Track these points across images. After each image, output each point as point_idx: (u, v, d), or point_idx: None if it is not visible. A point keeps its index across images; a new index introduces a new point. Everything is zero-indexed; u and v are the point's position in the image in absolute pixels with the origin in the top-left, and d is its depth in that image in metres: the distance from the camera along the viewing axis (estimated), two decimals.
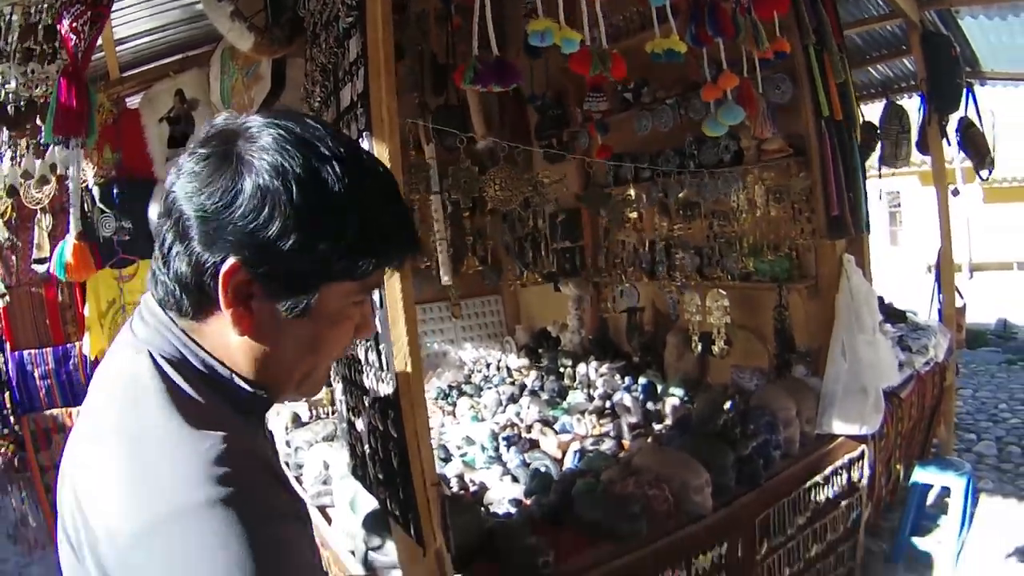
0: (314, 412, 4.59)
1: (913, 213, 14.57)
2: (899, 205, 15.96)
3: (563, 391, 4.93)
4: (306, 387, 1.08)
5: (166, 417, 0.88)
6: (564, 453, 3.86)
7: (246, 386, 1.00)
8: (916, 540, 4.41)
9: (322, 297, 0.97)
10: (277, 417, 4.49)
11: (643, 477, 3.13)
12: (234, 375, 1.00)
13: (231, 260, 0.91)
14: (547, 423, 4.37)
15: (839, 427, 3.64)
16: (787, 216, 4.03)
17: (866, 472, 3.82)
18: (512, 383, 5.24)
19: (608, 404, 4.47)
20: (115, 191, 4.62)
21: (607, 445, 3.89)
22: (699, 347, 4.36)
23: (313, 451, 3.85)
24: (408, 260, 1.08)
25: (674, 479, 3.14)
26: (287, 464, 4.00)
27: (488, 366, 5.81)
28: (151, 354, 0.97)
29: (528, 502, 3.36)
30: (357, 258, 0.96)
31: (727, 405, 3.66)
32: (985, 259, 14.18)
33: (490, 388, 5.21)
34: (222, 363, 0.99)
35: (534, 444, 4.11)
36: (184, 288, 0.96)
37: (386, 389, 2.51)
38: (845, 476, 3.70)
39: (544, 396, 4.89)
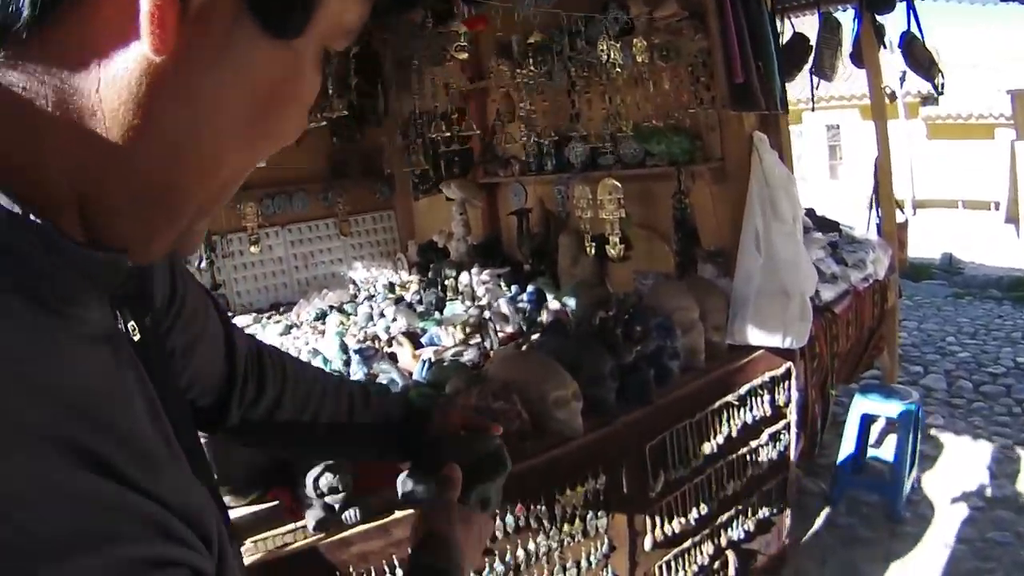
0: None
1: (853, 148, 13.81)
2: (839, 139, 15.22)
3: (441, 303, 4.01)
4: (201, 224, 0.54)
5: None
6: None
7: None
8: (857, 479, 3.61)
9: (322, 12, 0.49)
10: None
11: (488, 387, 2.20)
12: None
13: None
14: (412, 336, 3.45)
15: (756, 336, 2.72)
16: (682, 81, 3.12)
17: (794, 395, 2.94)
18: (391, 299, 4.33)
19: (487, 315, 3.55)
20: None
21: (469, 356, 2.96)
22: (593, 249, 3.43)
23: None
24: None
25: (529, 390, 2.21)
26: None
27: (376, 285, 4.88)
28: None
29: None
30: None
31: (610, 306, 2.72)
32: (929, 196, 13.48)
33: (364, 304, 4.31)
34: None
35: (393, 358, 3.21)
36: None
37: None
38: (767, 398, 2.81)
39: (421, 309, 4.00)
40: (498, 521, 2.02)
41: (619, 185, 3.14)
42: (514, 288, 3.94)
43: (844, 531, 3.36)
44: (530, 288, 3.81)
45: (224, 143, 0.49)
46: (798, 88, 4.39)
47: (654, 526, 2.42)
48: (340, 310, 4.38)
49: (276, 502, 1.90)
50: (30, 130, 0.43)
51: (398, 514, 1.89)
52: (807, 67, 4.33)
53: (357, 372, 2.94)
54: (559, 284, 3.89)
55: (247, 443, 1.17)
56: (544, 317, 3.32)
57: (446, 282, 4.28)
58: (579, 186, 3.41)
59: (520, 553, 2.07)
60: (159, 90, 0.44)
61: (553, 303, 3.40)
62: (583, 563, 2.20)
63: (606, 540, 2.26)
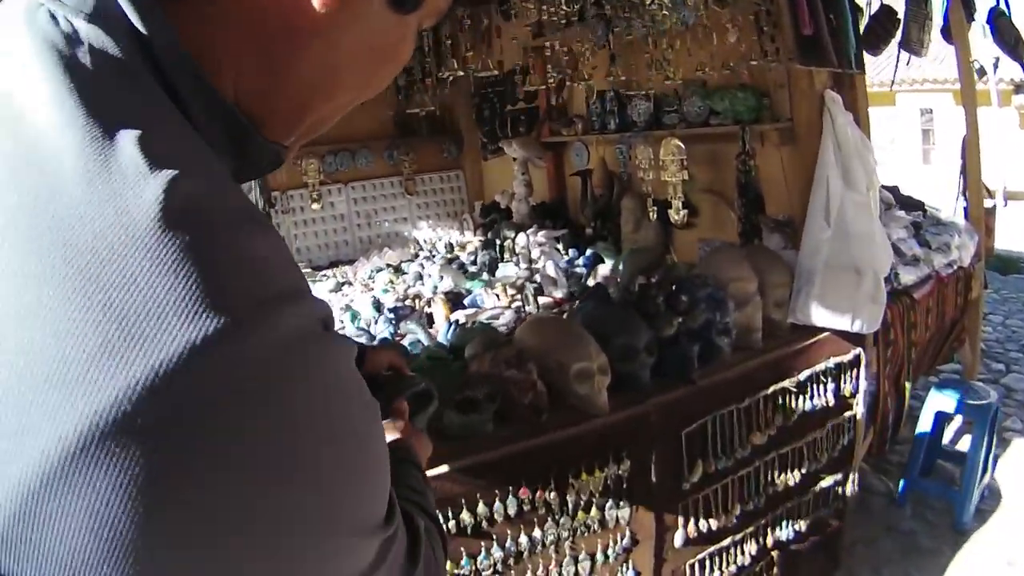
0: None
1: (947, 133, 12.76)
2: (932, 123, 14.07)
3: (495, 264, 3.79)
4: (305, 135, 0.61)
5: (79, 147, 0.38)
6: None
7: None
8: (925, 481, 3.20)
9: None
10: None
11: (502, 353, 1.96)
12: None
13: None
14: (455, 297, 3.25)
15: (821, 316, 2.36)
16: (742, 30, 2.72)
17: (863, 385, 2.57)
18: (446, 259, 4.15)
19: (536, 277, 3.31)
20: None
21: (505, 319, 2.72)
22: (655, 213, 3.12)
23: None
24: None
25: (549, 359, 1.96)
26: None
27: (437, 245, 4.70)
28: (53, 16, 0.43)
29: None
30: None
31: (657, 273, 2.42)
32: (1021, 188, 12.19)
33: (416, 263, 4.15)
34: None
35: (432, 319, 3.04)
36: None
37: None
38: (831, 386, 2.45)
39: (473, 269, 3.80)
40: (496, 503, 1.80)
41: (682, 145, 2.83)
42: (571, 252, 3.68)
43: (905, 538, 2.97)
44: (587, 252, 3.56)
45: (341, 83, 0.57)
46: (890, 69, 3.93)
47: (687, 521, 2.13)
48: (397, 269, 4.23)
49: None
50: (223, 46, 0.50)
51: None
52: (895, 41, 3.86)
53: (383, 331, 2.77)
54: (621, 251, 3.60)
55: None
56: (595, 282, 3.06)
57: (504, 243, 4.06)
58: (641, 146, 3.12)
59: (523, 539, 1.83)
60: (313, 35, 0.52)
61: (604, 268, 3.12)
62: (598, 556, 1.95)
63: (627, 533, 2.00)
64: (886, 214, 2.88)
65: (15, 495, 0.33)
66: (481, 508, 1.78)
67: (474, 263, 3.90)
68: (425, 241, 4.93)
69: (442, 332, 2.54)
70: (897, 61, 3.94)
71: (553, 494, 1.86)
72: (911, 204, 3.52)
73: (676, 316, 2.13)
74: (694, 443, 2.11)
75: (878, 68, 6.75)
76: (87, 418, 0.33)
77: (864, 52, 2.79)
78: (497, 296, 3.03)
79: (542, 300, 3.02)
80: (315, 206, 4.69)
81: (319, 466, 0.40)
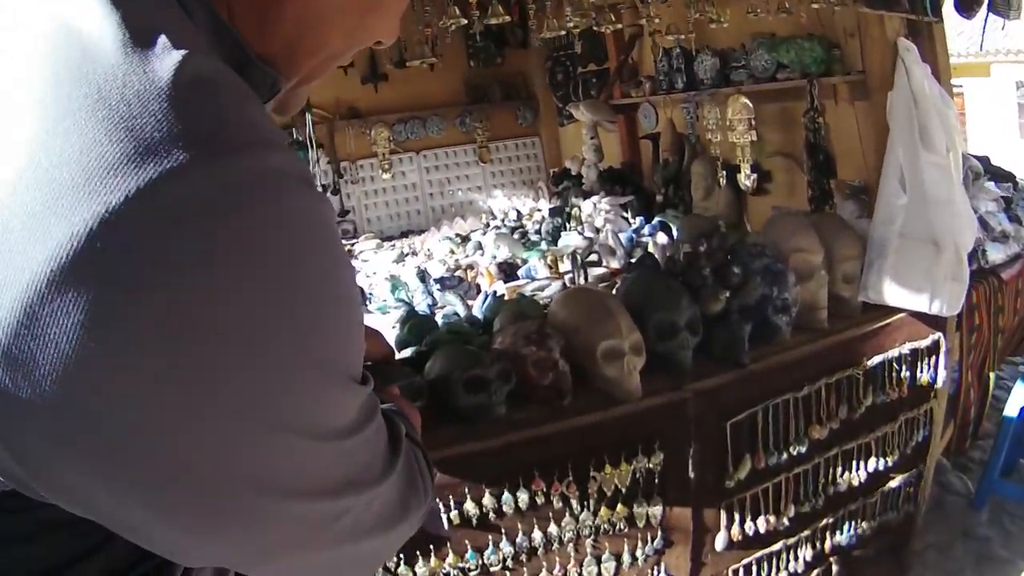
0: None
1: None
2: None
3: (558, 232, 3.58)
4: (303, 91, 0.67)
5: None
6: None
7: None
8: (1006, 484, 2.79)
9: None
10: None
11: (524, 329, 1.76)
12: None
13: None
14: (509, 267, 3.07)
15: (895, 295, 2.03)
16: None
17: (942, 374, 2.24)
18: (513, 227, 3.97)
19: (595, 247, 3.09)
20: None
21: (551, 291, 2.53)
22: (724, 178, 2.83)
23: None
24: None
25: (576, 336, 1.75)
26: None
27: (507, 214, 4.52)
28: None
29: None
30: None
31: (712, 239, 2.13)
32: None
33: (482, 232, 3.99)
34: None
35: (480, 290, 2.89)
36: None
37: None
38: (906, 375, 2.14)
39: (536, 238, 3.61)
40: (506, 495, 1.62)
41: (749, 104, 2.55)
42: (638, 220, 3.43)
43: (979, 545, 2.60)
44: (655, 220, 3.30)
45: (328, 30, 0.59)
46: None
47: (731, 522, 1.89)
48: (466, 239, 4.09)
49: None
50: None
51: None
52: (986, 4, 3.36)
53: (421, 302, 2.62)
54: None
55: None
56: (654, 252, 2.81)
57: (570, 211, 3.85)
58: (708, 105, 2.83)
59: (537, 535, 1.65)
60: None
61: (663, 238, 2.86)
62: (625, 557, 1.74)
63: (659, 533, 1.78)
64: (974, 184, 2.50)
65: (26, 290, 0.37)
66: (487, 499, 1.61)
67: (538, 232, 3.71)
68: (500, 211, 4.77)
69: (478, 304, 2.37)
70: (985, 24, 3.45)
71: (572, 487, 1.67)
72: (1002, 175, 3.07)
73: (725, 290, 1.88)
74: (741, 435, 1.86)
75: (973, 38, 6.09)
76: (99, 214, 0.37)
77: (959, 14, 2.39)
78: (549, 267, 2.83)
79: (596, 271, 2.81)
80: (385, 176, 4.60)
81: (294, 291, 0.43)
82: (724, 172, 2.85)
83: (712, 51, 2.94)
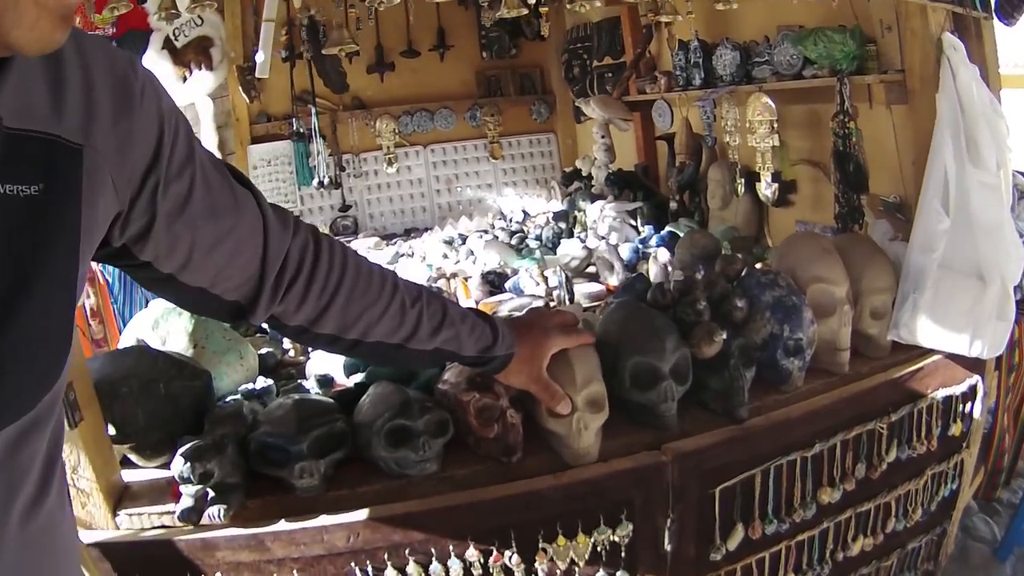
0: None
1: None
2: None
3: (559, 239, 3.25)
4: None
5: None
6: None
7: None
8: None
9: None
10: None
11: (468, 369, 1.45)
12: None
13: None
14: (496, 278, 2.75)
15: (930, 335, 1.68)
16: None
17: (976, 422, 1.86)
18: (511, 231, 3.65)
19: (594, 259, 2.75)
20: None
21: None
22: (742, 187, 2.48)
23: None
24: None
25: None
26: None
27: (512, 215, 4.20)
28: None
29: (341, 383, 1.86)
30: None
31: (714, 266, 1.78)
32: None
33: (480, 237, 3.67)
34: None
35: None
36: None
37: None
38: (938, 425, 1.78)
39: (534, 245, 3.29)
40: (434, 564, 1.32)
41: (771, 104, 2.20)
42: (647, 229, 3.08)
43: None
44: (664, 231, 2.96)
45: None
46: None
47: None
48: (466, 240, 3.78)
49: None
50: None
51: (280, 525, 1.27)
52: None
53: None
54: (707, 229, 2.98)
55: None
56: (652, 271, 2.46)
57: (576, 216, 3.52)
58: (725, 104, 2.48)
59: None
60: None
61: (663, 254, 2.52)
62: None
63: None
64: (1019, 204, 2.12)
65: None
66: (412, 568, 1.31)
67: (538, 237, 3.39)
68: (511, 210, 4.45)
69: None
70: None
71: (516, 558, 1.36)
72: None
73: (721, 331, 1.54)
74: (732, 502, 1.53)
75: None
76: None
77: (999, 21, 2.01)
78: (536, 283, 2.50)
79: (589, 288, 2.47)
80: (389, 169, 4.33)
81: None
82: (743, 180, 2.50)
83: (733, 44, 2.59)
